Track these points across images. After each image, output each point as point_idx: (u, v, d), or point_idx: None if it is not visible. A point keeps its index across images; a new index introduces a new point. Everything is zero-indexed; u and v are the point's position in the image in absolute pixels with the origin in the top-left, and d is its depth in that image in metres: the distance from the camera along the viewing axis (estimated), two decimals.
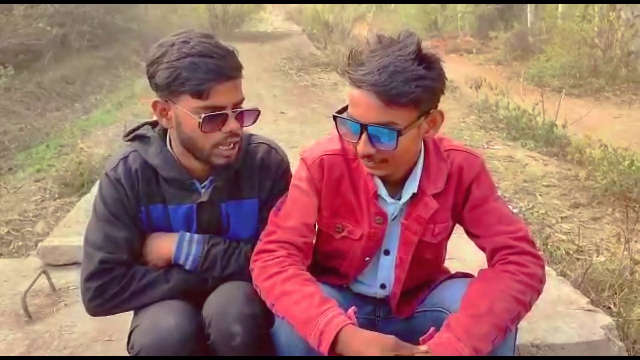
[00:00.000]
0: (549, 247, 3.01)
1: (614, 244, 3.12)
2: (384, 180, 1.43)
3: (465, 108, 6.59)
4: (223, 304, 1.39)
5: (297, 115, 5.96)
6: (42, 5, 9.04)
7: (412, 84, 1.21)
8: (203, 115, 1.35)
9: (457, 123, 5.85)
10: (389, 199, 1.44)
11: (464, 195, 1.44)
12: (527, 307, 1.32)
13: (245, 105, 1.45)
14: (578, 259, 2.94)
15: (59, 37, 9.52)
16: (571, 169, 4.44)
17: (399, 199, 1.44)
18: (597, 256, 2.92)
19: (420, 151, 1.42)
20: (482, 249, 1.45)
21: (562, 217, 3.58)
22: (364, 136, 1.27)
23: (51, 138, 6.25)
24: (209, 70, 1.33)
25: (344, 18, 11.55)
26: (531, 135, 5.44)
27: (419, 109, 1.27)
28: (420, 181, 1.42)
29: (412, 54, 1.22)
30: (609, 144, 4.68)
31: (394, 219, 1.46)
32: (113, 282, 1.44)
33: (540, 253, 2.91)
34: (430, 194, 1.42)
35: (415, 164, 1.42)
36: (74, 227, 3.03)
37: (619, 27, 9.28)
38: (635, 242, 2.98)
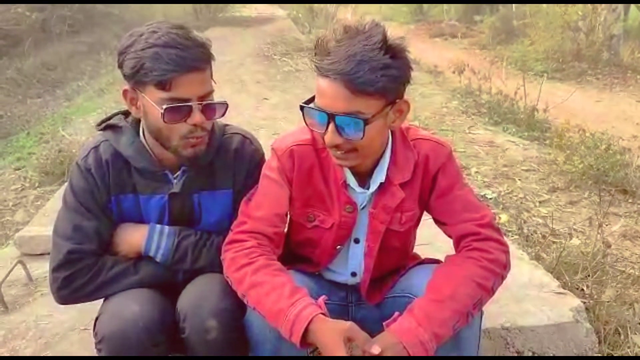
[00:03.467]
0: (524, 231, 3.06)
1: (588, 227, 3.18)
2: (353, 169, 1.44)
3: (448, 93, 6.62)
4: (198, 297, 1.39)
5: (280, 102, 5.93)
6: None
7: (378, 73, 1.22)
8: (165, 107, 1.34)
9: (439, 108, 5.88)
10: (357, 189, 1.46)
11: (431, 184, 1.46)
12: (489, 292, 1.35)
13: (217, 97, 1.44)
14: (554, 242, 3.00)
15: (39, 22, 9.38)
16: (551, 153, 4.49)
17: (368, 188, 1.46)
18: (572, 239, 2.97)
19: (388, 141, 1.44)
20: (449, 236, 1.48)
21: (540, 201, 3.63)
22: (331, 126, 1.28)
23: (32, 125, 6.19)
24: (171, 61, 1.32)
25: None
26: (512, 120, 5.49)
27: (385, 99, 1.27)
28: (387, 171, 1.44)
29: (379, 43, 1.22)
30: (589, 128, 4.73)
31: (363, 208, 1.48)
32: (81, 272, 1.44)
33: (515, 237, 2.96)
34: (397, 184, 1.44)
35: (383, 153, 1.43)
36: (53, 216, 2.98)
37: (601, 11, 9.33)
38: (607, 225, 3.04)
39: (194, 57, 1.35)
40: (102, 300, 1.49)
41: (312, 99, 1.33)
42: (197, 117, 1.37)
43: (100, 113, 5.78)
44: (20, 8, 8.81)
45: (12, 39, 8.87)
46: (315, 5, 11.50)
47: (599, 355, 1.99)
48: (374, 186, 1.45)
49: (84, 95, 7.33)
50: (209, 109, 1.41)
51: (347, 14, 11.88)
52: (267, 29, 11.20)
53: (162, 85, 1.33)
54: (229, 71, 7.15)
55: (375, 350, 1.20)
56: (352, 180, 1.45)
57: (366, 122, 1.26)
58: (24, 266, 2.20)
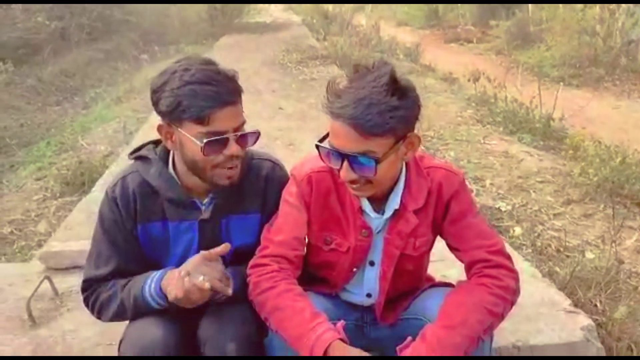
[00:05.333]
0: (538, 245, 3.07)
1: (602, 241, 3.18)
2: (368, 196, 1.49)
3: (462, 101, 6.60)
4: (219, 324, 1.45)
5: (295, 111, 5.95)
6: None
7: (386, 115, 1.29)
8: (205, 141, 1.41)
9: (454, 117, 5.87)
10: (373, 214, 1.52)
11: (444, 211, 1.52)
12: (499, 318, 1.41)
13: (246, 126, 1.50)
14: (568, 256, 3.01)
15: (58, 30, 9.58)
16: (565, 164, 4.48)
17: (383, 213, 1.52)
18: (586, 254, 2.98)
19: (402, 169, 1.50)
20: (461, 261, 1.54)
21: (554, 214, 3.63)
22: (345, 164, 1.36)
23: (52, 134, 6.30)
24: (208, 97, 1.38)
25: (343, 8, 11.50)
26: (528, 129, 5.46)
27: (395, 136, 1.35)
28: (402, 197, 1.49)
29: (386, 85, 1.29)
30: (606, 136, 4.70)
31: (378, 232, 1.54)
32: (97, 298, 1.54)
33: (528, 252, 2.97)
34: (411, 210, 1.49)
35: (397, 181, 1.50)
36: (75, 230, 3.11)
37: (619, 15, 9.24)
38: (619, 244, 3.03)
39: (228, 92, 1.42)
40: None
41: (326, 136, 1.41)
42: (233, 147, 1.44)
43: (119, 122, 5.88)
44: (40, 17, 9.01)
45: (32, 47, 9.06)
46: (330, 11, 11.55)
47: None
48: (388, 212, 1.51)
49: (102, 103, 7.45)
50: (243, 139, 1.48)
51: (362, 20, 11.91)
52: (282, 36, 11.27)
53: (200, 121, 1.40)
54: (245, 80, 7.08)
55: None
56: (367, 206, 1.51)
57: (377, 160, 1.33)
58: (50, 281, 2.28)
